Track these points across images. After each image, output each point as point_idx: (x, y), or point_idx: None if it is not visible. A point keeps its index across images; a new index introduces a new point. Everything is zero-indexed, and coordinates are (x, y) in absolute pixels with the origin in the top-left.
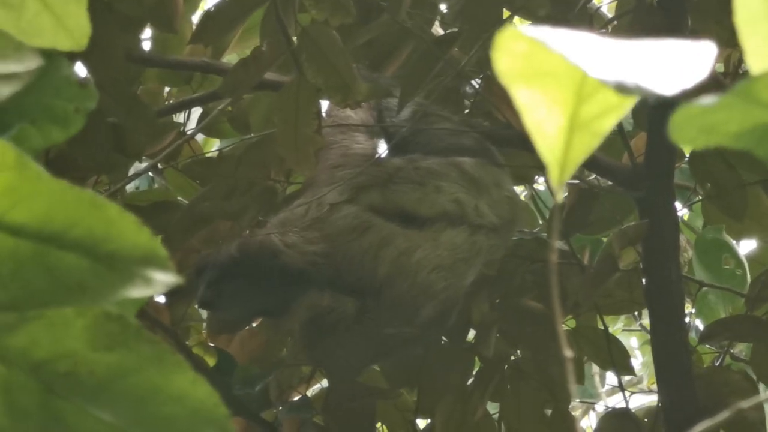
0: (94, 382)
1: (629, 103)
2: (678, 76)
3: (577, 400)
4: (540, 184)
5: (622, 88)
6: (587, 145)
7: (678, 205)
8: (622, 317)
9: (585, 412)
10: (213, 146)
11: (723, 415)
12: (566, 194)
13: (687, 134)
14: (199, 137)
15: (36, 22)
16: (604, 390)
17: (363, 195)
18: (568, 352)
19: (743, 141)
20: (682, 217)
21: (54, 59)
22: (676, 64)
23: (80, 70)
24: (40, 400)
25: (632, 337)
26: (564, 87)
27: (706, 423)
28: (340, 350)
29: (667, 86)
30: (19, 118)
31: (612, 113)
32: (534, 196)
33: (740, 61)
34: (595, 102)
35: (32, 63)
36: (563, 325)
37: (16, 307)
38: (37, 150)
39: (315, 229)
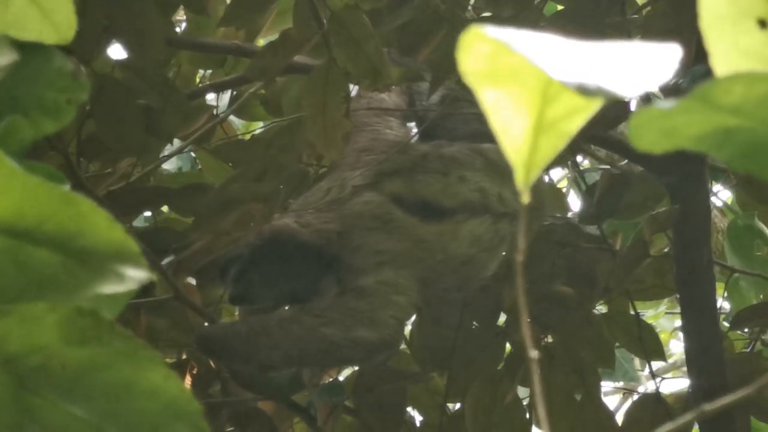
0: (66, 377)
1: (595, 105)
2: (641, 78)
3: (614, 384)
4: (584, 166)
5: (583, 90)
6: (554, 146)
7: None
8: (665, 300)
9: (628, 397)
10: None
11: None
12: (599, 179)
13: (647, 137)
14: (240, 121)
15: (22, 15)
16: (645, 373)
17: (386, 182)
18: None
19: (704, 144)
20: (725, 201)
21: (46, 50)
22: (640, 66)
23: (119, 52)
24: (12, 395)
25: (676, 320)
26: (529, 88)
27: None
28: (272, 332)
29: (629, 88)
30: (11, 109)
31: (578, 114)
32: (576, 178)
33: None
34: (561, 103)
35: (7, 58)
36: (594, 311)
37: None
38: (28, 141)
39: (332, 210)
